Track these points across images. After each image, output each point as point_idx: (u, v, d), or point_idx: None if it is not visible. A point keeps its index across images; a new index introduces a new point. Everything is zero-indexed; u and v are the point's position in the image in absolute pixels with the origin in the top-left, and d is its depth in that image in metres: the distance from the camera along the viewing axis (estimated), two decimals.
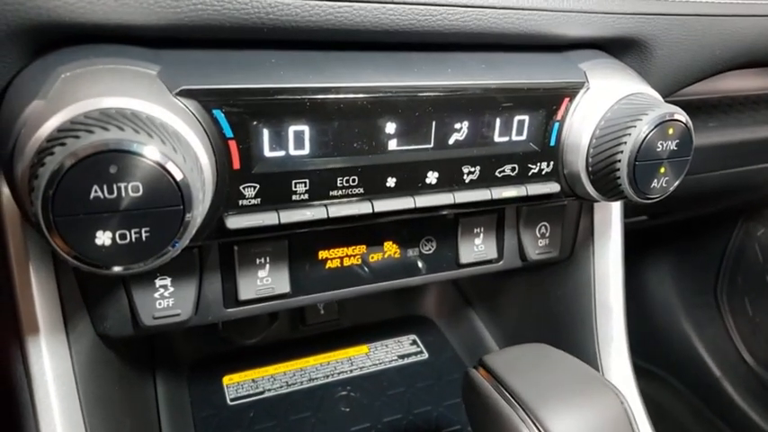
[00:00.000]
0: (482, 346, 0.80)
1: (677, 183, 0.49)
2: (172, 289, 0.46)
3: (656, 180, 0.48)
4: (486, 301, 0.83)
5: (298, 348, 0.78)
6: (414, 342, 0.82)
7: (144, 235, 0.31)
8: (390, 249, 0.55)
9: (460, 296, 0.86)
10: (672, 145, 0.46)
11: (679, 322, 1.35)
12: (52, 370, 0.41)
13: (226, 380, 0.72)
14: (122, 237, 0.31)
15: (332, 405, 0.70)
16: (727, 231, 1.27)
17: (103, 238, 0.31)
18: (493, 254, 0.59)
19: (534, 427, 0.38)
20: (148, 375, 0.66)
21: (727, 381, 1.27)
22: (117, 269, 0.32)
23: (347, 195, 0.43)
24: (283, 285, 0.50)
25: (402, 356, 0.79)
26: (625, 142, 0.46)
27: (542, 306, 0.72)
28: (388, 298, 0.87)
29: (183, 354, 0.73)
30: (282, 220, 0.41)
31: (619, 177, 0.48)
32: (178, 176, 0.30)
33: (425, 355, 0.80)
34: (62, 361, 0.42)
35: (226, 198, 0.38)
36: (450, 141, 0.44)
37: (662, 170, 0.47)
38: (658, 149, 0.46)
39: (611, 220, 0.65)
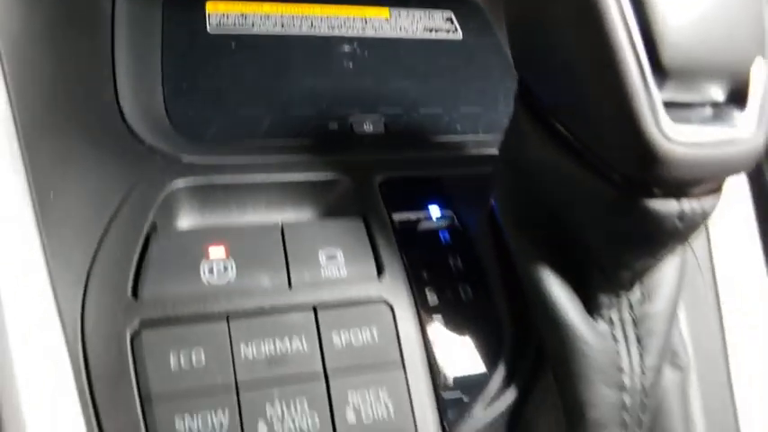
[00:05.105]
0: None
1: None
2: None
3: None
4: None
5: None
6: (449, 20, 0.66)
7: None
8: None
9: None
10: None
11: None
12: None
13: (209, 6, 0.58)
14: None
15: (333, 58, 0.57)
16: None
17: None
18: None
19: None
20: None
21: None
22: None
23: None
24: None
25: (430, 30, 0.64)
26: None
27: None
28: None
29: None
30: None
31: None
32: None
33: (459, 35, 0.64)
34: None
35: None
36: None
37: None
38: None
39: None
